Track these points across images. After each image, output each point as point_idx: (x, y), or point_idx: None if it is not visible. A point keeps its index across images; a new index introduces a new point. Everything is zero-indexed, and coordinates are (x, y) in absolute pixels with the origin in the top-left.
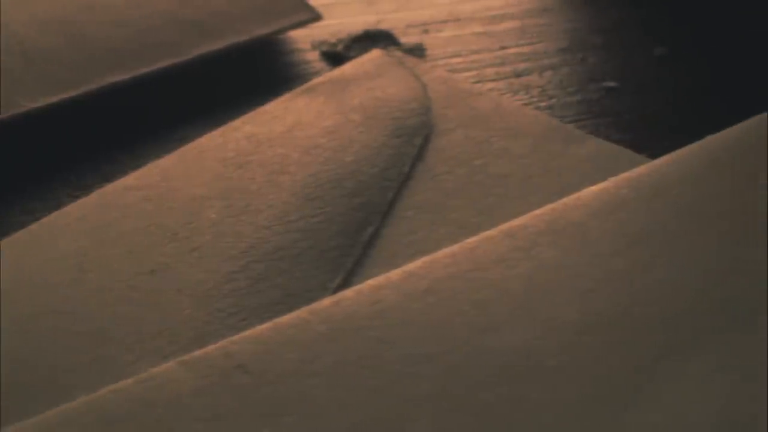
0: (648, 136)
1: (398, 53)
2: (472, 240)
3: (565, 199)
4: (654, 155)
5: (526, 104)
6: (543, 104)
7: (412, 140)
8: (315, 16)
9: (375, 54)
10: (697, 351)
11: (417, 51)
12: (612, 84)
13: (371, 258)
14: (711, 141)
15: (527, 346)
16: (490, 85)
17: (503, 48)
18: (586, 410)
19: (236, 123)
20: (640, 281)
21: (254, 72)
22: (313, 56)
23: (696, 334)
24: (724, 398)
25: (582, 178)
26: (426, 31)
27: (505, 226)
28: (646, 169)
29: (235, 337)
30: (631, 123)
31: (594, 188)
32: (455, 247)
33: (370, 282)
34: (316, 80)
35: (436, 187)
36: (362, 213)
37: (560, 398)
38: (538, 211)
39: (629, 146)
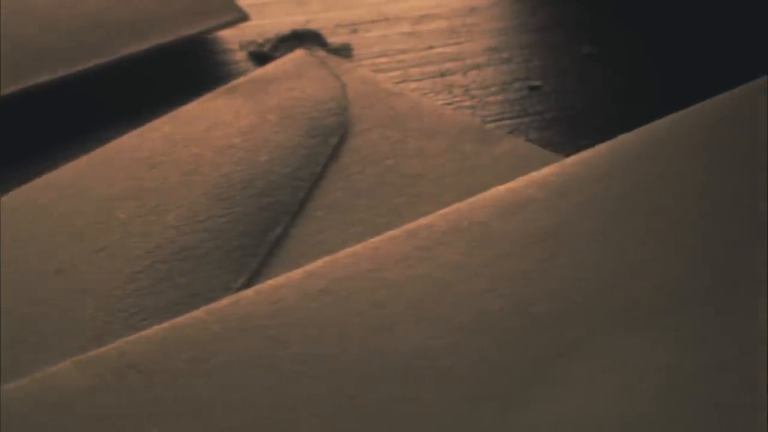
0: (569, 136)
1: (321, 53)
2: (374, 240)
3: (472, 199)
4: (571, 155)
5: (448, 104)
6: (466, 104)
7: (327, 140)
8: (242, 17)
9: (298, 54)
10: (589, 351)
11: (344, 51)
12: (536, 83)
13: (278, 258)
14: (620, 141)
15: (421, 346)
16: (414, 84)
17: (430, 48)
18: (475, 410)
19: (155, 123)
20: (537, 281)
21: (183, 72)
22: (242, 56)
23: (588, 335)
24: (612, 399)
25: (495, 178)
26: (354, 31)
27: (409, 226)
28: (554, 168)
29: (131, 337)
30: (552, 122)
31: (501, 187)
32: (357, 247)
33: (271, 282)
34: (237, 81)
35: (348, 187)
36: (270, 213)
37: (449, 398)
38: (443, 211)
39: (549, 145)
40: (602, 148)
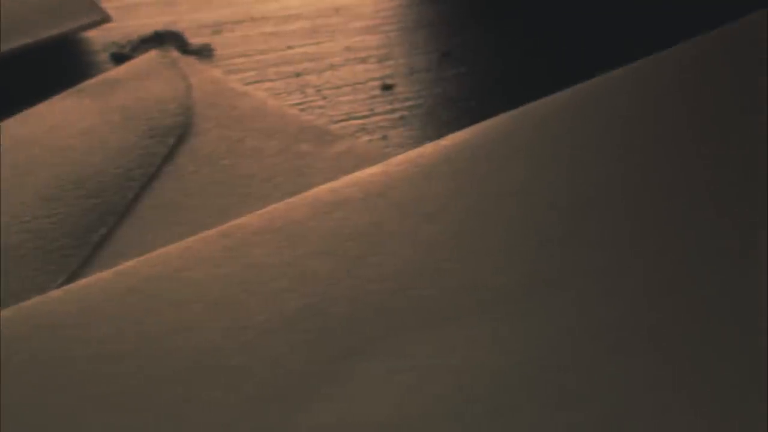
0: (416, 135)
1: (175, 54)
2: (188, 240)
3: (291, 199)
4: None
5: (299, 104)
6: (317, 104)
7: (165, 140)
8: (104, 18)
9: (150, 55)
10: (380, 352)
11: (204, 51)
12: (389, 82)
13: (100, 258)
14: (444, 141)
15: (214, 345)
16: (268, 84)
17: (289, 48)
18: (260, 411)
19: (5, 124)
20: (340, 281)
21: (44, 74)
22: (104, 58)
23: (382, 335)
24: (397, 399)
25: (326, 179)
26: (217, 32)
27: (223, 226)
28: (378, 168)
29: None
30: (399, 121)
31: (322, 187)
32: (170, 247)
33: (81, 281)
34: (87, 81)
35: (181, 188)
36: (96, 214)
37: (237, 398)
38: (260, 211)
39: (396, 144)
40: (427, 148)
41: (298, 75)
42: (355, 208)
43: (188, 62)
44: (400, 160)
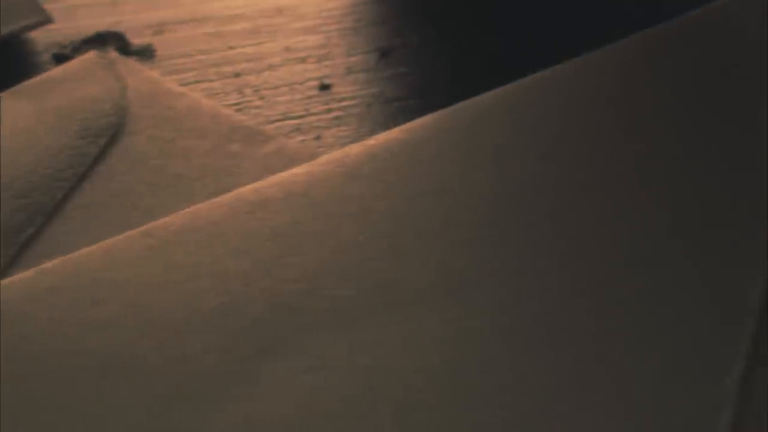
0: (351, 134)
1: (113, 55)
2: (111, 240)
3: (215, 199)
4: None
5: (236, 104)
6: (254, 104)
7: (97, 141)
8: (45, 19)
9: (88, 56)
10: (292, 351)
11: (146, 52)
12: (327, 82)
13: (28, 258)
14: (373, 140)
15: (129, 344)
16: (207, 85)
17: (231, 48)
18: (169, 410)
19: None
20: (257, 281)
21: None
22: (47, 59)
23: (294, 335)
24: (305, 398)
25: (253, 179)
26: (160, 32)
27: (146, 226)
28: (303, 168)
29: None
30: (335, 121)
31: (246, 187)
32: (93, 247)
33: (3, 281)
34: (26, 82)
35: (110, 188)
36: (25, 214)
37: (148, 398)
38: (184, 211)
39: (331, 144)
40: (354, 148)
41: (237, 75)
42: (277, 208)
43: (126, 63)
44: (326, 160)
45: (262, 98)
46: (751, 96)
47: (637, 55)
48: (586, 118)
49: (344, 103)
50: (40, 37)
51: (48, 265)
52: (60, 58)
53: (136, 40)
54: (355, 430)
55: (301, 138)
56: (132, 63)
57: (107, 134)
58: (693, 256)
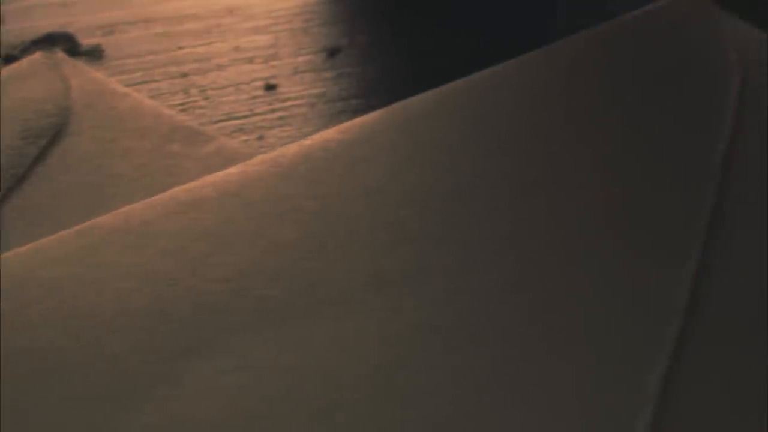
0: (295, 134)
1: (60, 55)
2: (44, 240)
3: (149, 199)
4: None
5: (181, 104)
6: (199, 104)
7: (38, 141)
8: None
9: (34, 57)
10: (216, 351)
11: (95, 52)
12: (273, 82)
13: None
14: (309, 140)
15: (56, 345)
16: (153, 85)
17: (180, 48)
18: (93, 410)
19: None
20: (184, 280)
21: None
22: None
23: (219, 335)
24: (228, 398)
25: (193, 178)
26: (110, 33)
27: (80, 226)
28: (237, 168)
29: None
30: (278, 121)
31: (180, 187)
32: (27, 247)
33: None
34: None
35: (49, 188)
36: None
37: (72, 397)
38: (118, 211)
39: (273, 144)
40: (290, 148)
41: (184, 75)
42: (209, 208)
43: (72, 64)
44: (261, 160)
45: (207, 98)
46: (691, 94)
47: (580, 53)
48: (522, 116)
49: (288, 103)
50: None
51: None
52: (8, 59)
53: (87, 41)
54: (276, 430)
55: (244, 138)
56: (78, 64)
57: (48, 135)
58: (622, 255)
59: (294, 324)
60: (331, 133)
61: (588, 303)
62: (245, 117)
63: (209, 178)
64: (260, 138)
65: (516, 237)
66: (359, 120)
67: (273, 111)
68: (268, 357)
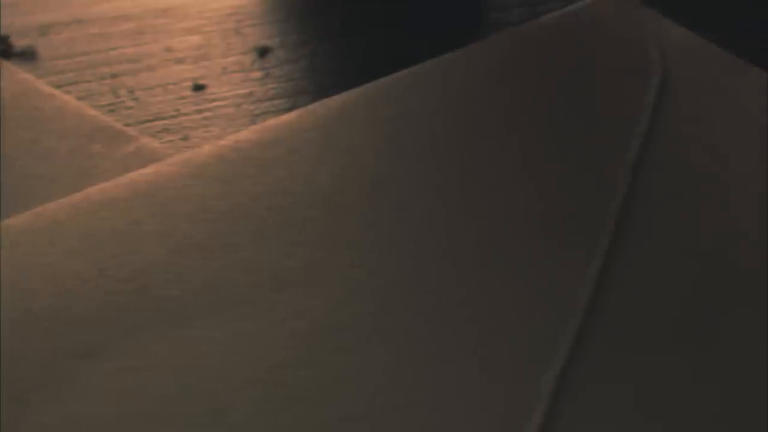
0: (219, 134)
1: None
2: None
3: (64, 199)
4: None
5: (109, 105)
6: (127, 105)
7: None
8: None
9: None
10: (116, 352)
11: (27, 53)
12: (202, 82)
13: None
14: (225, 141)
15: None
16: (84, 86)
17: (112, 49)
18: None
19: None
20: (90, 280)
21: None
22: None
23: (120, 335)
24: (123, 398)
25: (110, 179)
26: (44, 33)
27: None
28: (152, 168)
29: None
30: (204, 121)
31: (95, 187)
32: None
33: None
34: None
35: None
36: None
37: None
38: (30, 211)
39: (197, 145)
40: (204, 148)
41: (114, 76)
42: (119, 208)
43: (2, 65)
44: (175, 161)
45: (135, 99)
46: (610, 93)
47: (504, 52)
48: (440, 117)
49: (215, 104)
50: None
51: None
52: None
53: (22, 41)
54: (168, 430)
55: (169, 138)
56: (7, 65)
57: None
58: (530, 255)
59: (192, 324)
60: (245, 134)
61: (489, 304)
62: (171, 117)
63: (122, 179)
64: (185, 138)
65: (422, 237)
66: (274, 120)
67: (199, 111)
68: (164, 357)
